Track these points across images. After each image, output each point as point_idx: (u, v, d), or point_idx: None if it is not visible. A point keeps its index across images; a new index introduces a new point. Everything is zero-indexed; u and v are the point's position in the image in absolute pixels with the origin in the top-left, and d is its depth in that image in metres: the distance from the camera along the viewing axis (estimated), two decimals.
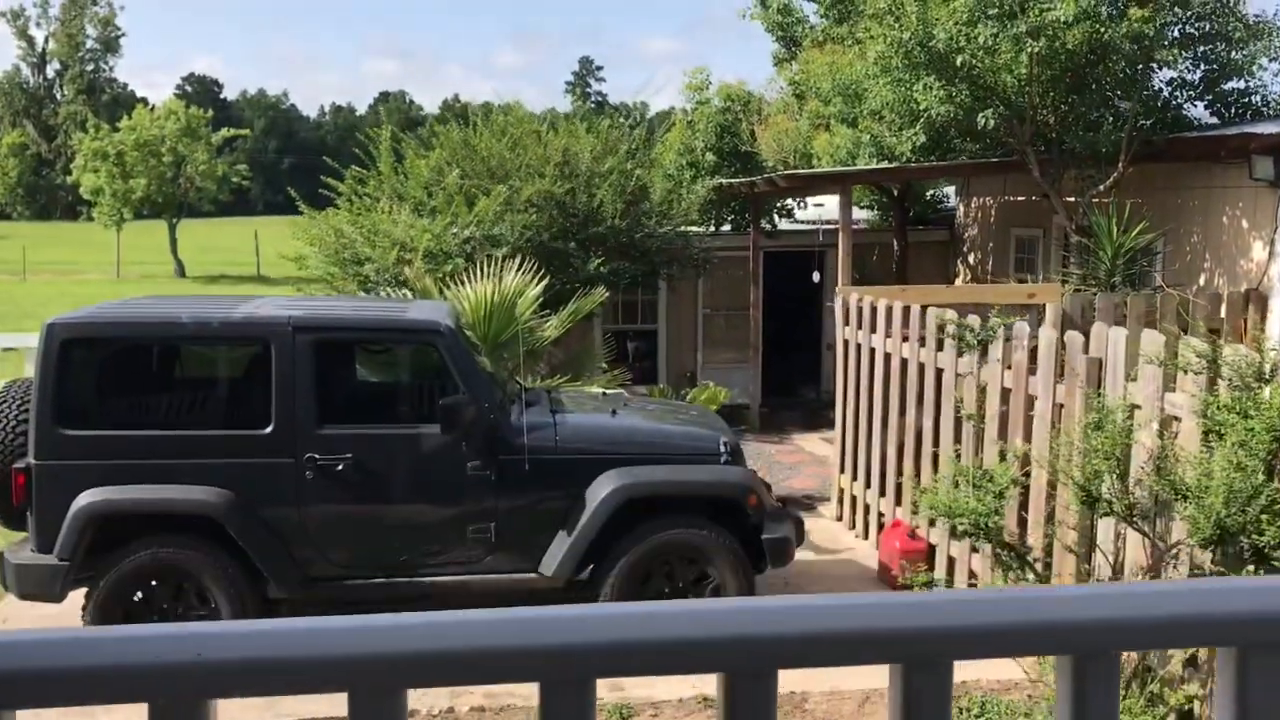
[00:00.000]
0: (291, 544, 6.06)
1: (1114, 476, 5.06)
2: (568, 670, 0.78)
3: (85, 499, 5.83)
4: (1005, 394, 6.72)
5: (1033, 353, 6.46)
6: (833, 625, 0.79)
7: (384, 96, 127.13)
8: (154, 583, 5.99)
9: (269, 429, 6.01)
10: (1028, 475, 6.09)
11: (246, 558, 5.98)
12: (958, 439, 7.21)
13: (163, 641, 0.75)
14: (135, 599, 5.99)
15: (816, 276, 13.92)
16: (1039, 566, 5.81)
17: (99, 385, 6.17)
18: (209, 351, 6.70)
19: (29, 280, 37.19)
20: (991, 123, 10.46)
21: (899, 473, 8.25)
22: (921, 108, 10.73)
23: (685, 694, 6.09)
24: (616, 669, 0.77)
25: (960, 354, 7.22)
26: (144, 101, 45.29)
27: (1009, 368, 6.68)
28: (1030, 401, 6.47)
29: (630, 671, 0.79)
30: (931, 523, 7.48)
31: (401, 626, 0.77)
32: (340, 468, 6.05)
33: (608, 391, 8.42)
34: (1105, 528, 5.59)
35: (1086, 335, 6.14)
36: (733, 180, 13.79)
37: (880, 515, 8.59)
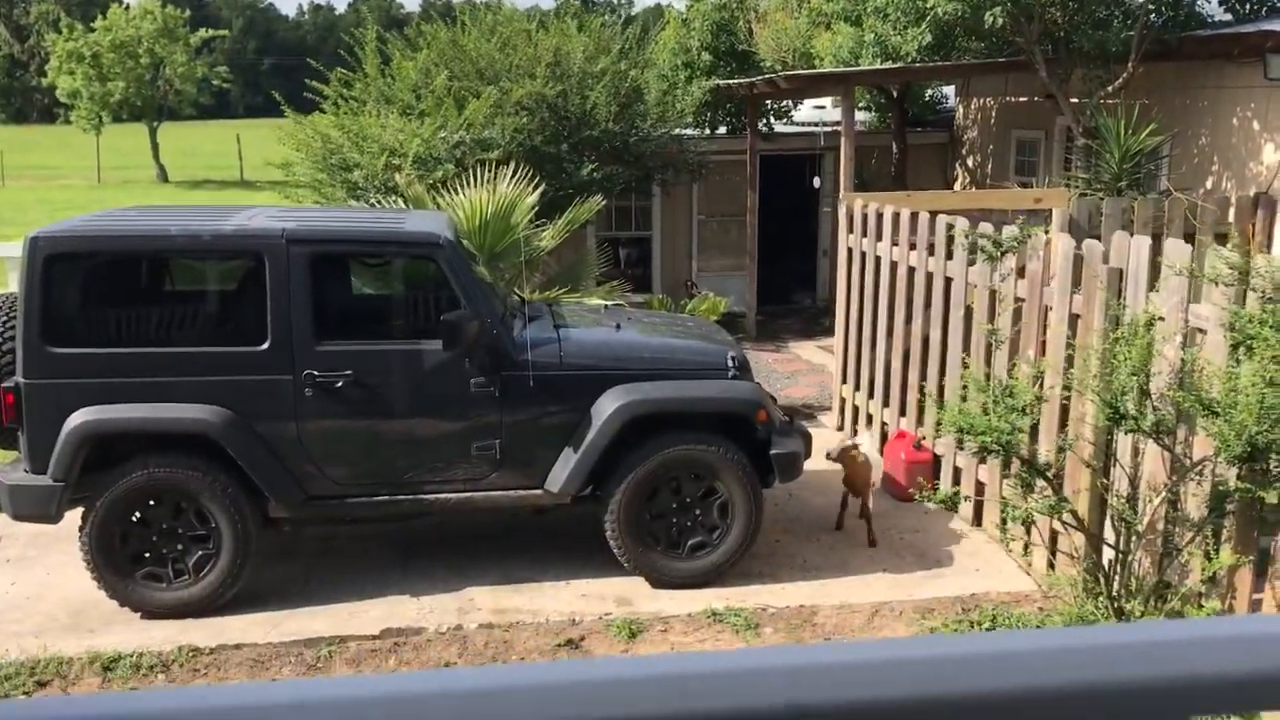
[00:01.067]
0: (291, 462, 5.93)
1: (1139, 391, 4.93)
2: None
3: (78, 419, 5.67)
4: (1018, 305, 6.57)
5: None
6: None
7: None
8: (152, 503, 5.87)
9: (265, 345, 5.83)
10: (1042, 389, 5.97)
11: (246, 476, 5.85)
12: (966, 349, 7.09)
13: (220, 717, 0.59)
14: (133, 520, 5.87)
15: (818, 182, 13.66)
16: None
17: (87, 301, 5.96)
18: (200, 265, 6.49)
19: (8, 186, 36.51)
20: (999, 20, 10.14)
21: (904, 383, 8.14)
22: (928, 5, 10.39)
23: (694, 609, 6.04)
24: None
25: (971, 263, 7.05)
26: (119, 1, 43.96)
27: (1023, 277, 6.52)
28: (1045, 312, 6.33)
29: None
30: (937, 434, 7.39)
31: (510, 693, 0.61)
32: (340, 385, 5.89)
33: (609, 305, 8.24)
34: (1124, 442, 5.49)
35: (1094, 240, 5.97)
36: (730, 81, 13.42)
37: (884, 425, 8.51)
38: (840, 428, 9.34)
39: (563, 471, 6.12)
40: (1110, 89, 10.39)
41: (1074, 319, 5.97)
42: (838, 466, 7.06)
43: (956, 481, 7.23)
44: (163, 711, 0.61)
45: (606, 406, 6.08)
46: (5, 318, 6.06)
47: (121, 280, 6.26)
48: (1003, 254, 6.58)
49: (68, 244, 5.76)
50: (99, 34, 39.43)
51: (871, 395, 8.72)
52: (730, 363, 6.38)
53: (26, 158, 45.36)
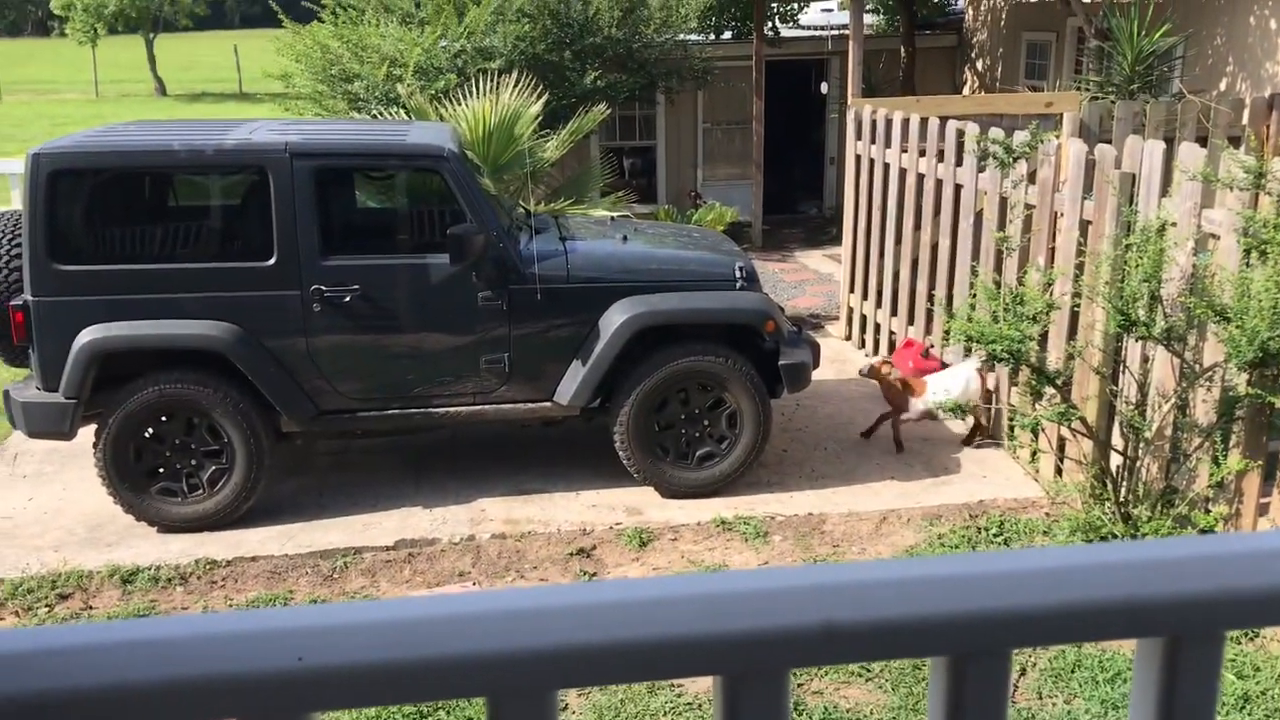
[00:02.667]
0: (301, 377, 5.95)
1: (1150, 298, 4.91)
2: (757, 660, 0.63)
3: (87, 336, 5.68)
4: (1028, 212, 6.51)
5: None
6: (1083, 595, 0.64)
7: None
8: (164, 418, 5.91)
9: (272, 261, 5.81)
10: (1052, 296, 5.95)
11: (257, 392, 5.88)
12: (976, 257, 7.05)
13: (256, 643, 0.59)
14: (146, 435, 5.91)
15: (825, 87, 13.45)
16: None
17: (92, 218, 5.92)
18: (204, 181, 6.43)
19: (5, 101, 36.10)
20: None
21: (912, 291, 8.11)
22: None
23: (703, 518, 6.11)
24: (810, 659, 0.63)
25: (981, 169, 6.97)
26: None
27: (1034, 183, 6.45)
28: (1055, 219, 6.27)
29: (832, 660, 0.64)
30: (946, 342, 7.39)
31: (552, 612, 0.62)
32: (348, 299, 5.88)
33: (615, 216, 8.18)
34: (1134, 349, 5.48)
35: (1106, 144, 5.89)
36: None
37: (891, 334, 8.50)
38: (847, 337, 9.34)
39: (571, 384, 6.14)
40: None
41: (1085, 225, 5.93)
42: (841, 376, 7.07)
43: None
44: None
45: (614, 319, 6.07)
46: (11, 236, 6.04)
47: (126, 196, 6.21)
48: (1014, 160, 6.50)
49: (70, 160, 5.70)
50: None
51: (879, 304, 8.70)
52: (738, 273, 6.35)
53: (22, 71, 44.80)
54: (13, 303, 5.77)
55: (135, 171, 6.04)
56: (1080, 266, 5.83)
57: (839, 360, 8.72)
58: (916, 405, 6.85)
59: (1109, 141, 6.80)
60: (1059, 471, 6.21)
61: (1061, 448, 6.17)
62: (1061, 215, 6.17)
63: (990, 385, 6.82)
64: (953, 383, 6.73)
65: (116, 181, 6.06)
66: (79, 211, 5.84)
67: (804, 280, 11.45)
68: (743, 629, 0.63)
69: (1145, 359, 5.46)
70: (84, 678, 0.57)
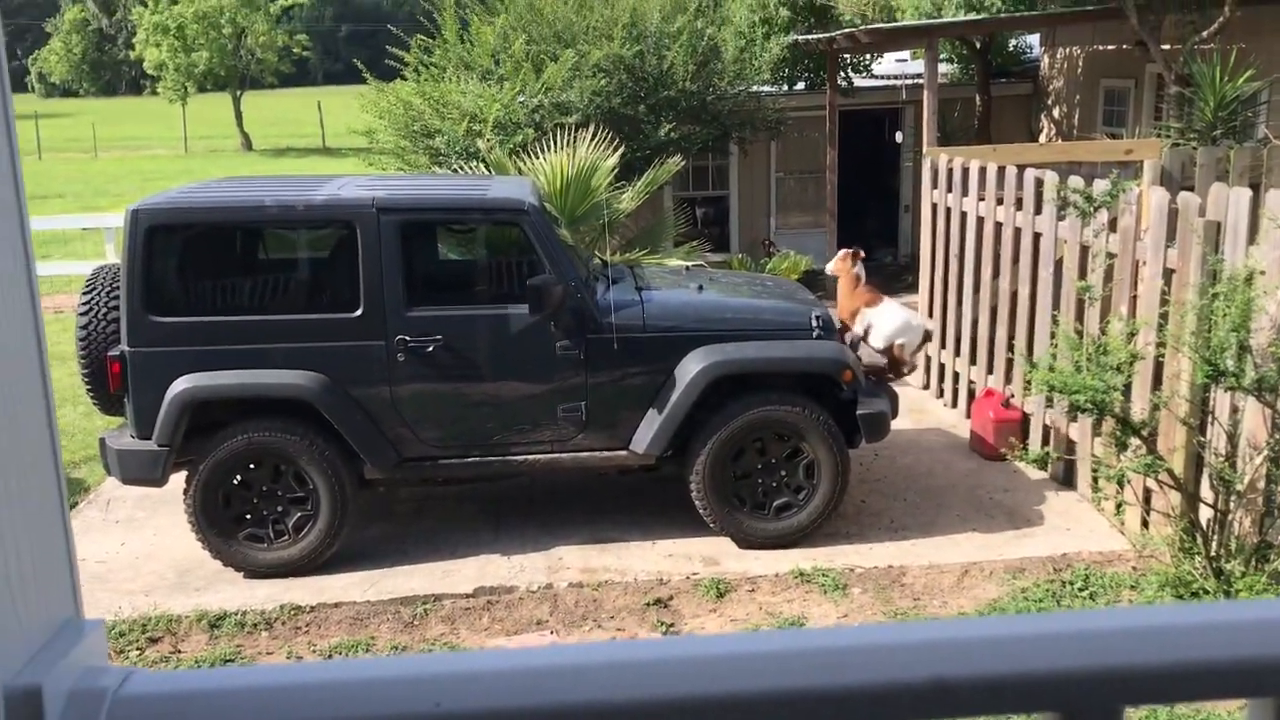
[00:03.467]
0: (385, 425, 6.07)
1: (1239, 347, 4.82)
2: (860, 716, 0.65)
3: (180, 385, 5.86)
4: (1110, 260, 6.44)
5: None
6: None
7: None
8: (252, 466, 6.06)
9: (359, 312, 5.96)
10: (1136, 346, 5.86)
11: (341, 439, 6.01)
12: (1056, 306, 6.97)
13: (393, 688, 0.63)
14: (235, 482, 6.07)
15: (900, 137, 13.46)
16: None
17: (186, 271, 6.14)
18: (294, 235, 6.63)
19: (100, 158, 37.49)
20: None
21: (991, 340, 8.04)
22: None
23: (781, 569, 6.08)
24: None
25: (1061, 218, 6.91)
26: None
27: (1115, 231, 6.38)
28: (1138, 268, 6.19)
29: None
30: (1027, 391, 7.30)
31: (670, 661, 0.65)
32: (430, 349, 6.00)
33: (689, 266, 8.25)
34: (1222, 400, 5.37)
35: (1189, 192, 5.82)
36: (809, 37, 13.23)
37: (971, 384, 8.42)
38: (925, 385, 9.26)
39: (647, 432, 6.18)
40: (1205, 34, 10.05)
41: (1169, 274, 5.84)
42: (919, 425, 7.01)
43: (1046, 440, 7.14)
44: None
45: (690, 368, 6.11)
46: (109, 288, 6.27)
47: (219, 250, 6.42)
48: (1095, 209, 6.44)
49: (167, 216, 5.93)
50: (183, 6, 40.18)
51: (958, 353, 8.62)
52: (813, 322, 6.36)
53: (116, 129, 46.53)
54: (110, 353, 5.98)
55: (228, 226, 6.25)
56: (1164, 316, 5.74)
57: (918, 410, 8.65)
58: (855, 326, 7.22)
59: (1191, 189, 6.71)
60: (1146, 524, 6.08)
61: (1148, 500, 6.04)
62: (1144, 264, 6.09)
63: (931, 328, 7.55)
64: (889, 321, 7.12)
65: (210, 236, 6.27)
66: (174, 265, 6.06)
67: None
68: (851, 683, 0.65)
69: (1234, 409, 5.34)
70: (251, 717, 0.62)
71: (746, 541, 6.32)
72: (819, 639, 0.68)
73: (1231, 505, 5.29)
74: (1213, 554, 5.31)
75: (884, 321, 7.14)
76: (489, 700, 0.63)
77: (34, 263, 0.72)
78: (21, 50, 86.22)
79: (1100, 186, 6.50)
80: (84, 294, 6.27)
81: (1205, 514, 5.49)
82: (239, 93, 42.30)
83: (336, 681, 0.65)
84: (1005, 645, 0.66)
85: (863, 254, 7.68)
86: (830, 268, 7.76)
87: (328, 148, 38.74)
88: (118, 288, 6.09)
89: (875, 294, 7.36)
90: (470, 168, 9.91)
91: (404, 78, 11.84)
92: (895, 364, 7.14)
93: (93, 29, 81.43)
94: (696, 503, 6.28)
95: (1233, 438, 5.32)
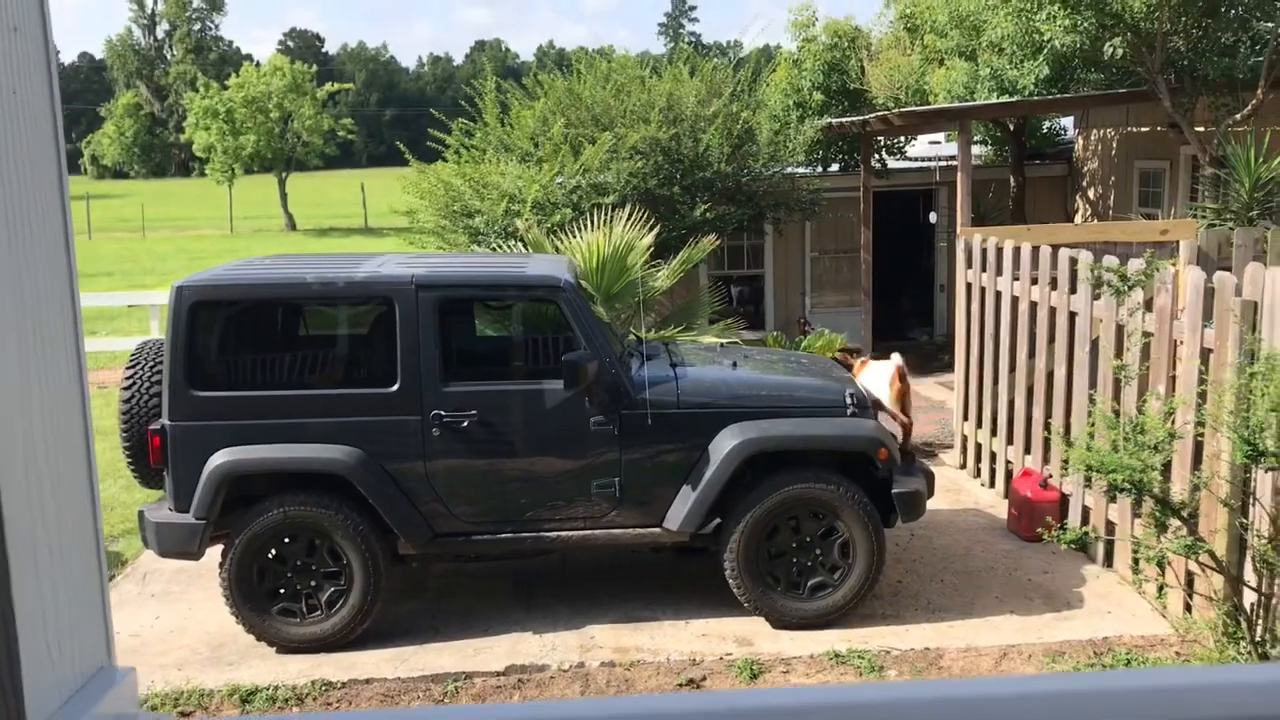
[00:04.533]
0: (420, 500, 6.10)
1: (1279, 428, 4.77)
2: None
3: (219, 459, 5.93)
4: (1146, 340, 6.41)
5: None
6: None
7: (480, 45, 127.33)
8: (287, 540, 6.09)
9: (395, 387, 6.03)
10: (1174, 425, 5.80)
11: (376, 514, 6.04)
12: (1093, 385, 6.93)
13: None
14: (269, 556, 6.10)
15: (934, 217, 13.54)
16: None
17: (227, 346, 6.25)
18: (333, 311, 6.74)
19: (148, 237, 38.32)
20: (1119, 51, 9.96)
21: (1028, 420, 7.98)
22: (1045, 38, 10.26)
23: (816, 650, 6.00)
24: None
25: (1096, 297, 6.91)
26: (250, 59, 45.98)
27: (1151, 311, 6.36)
28: (1174, 347, 6.16)
29: None
30: (1064, 471, 7.22)
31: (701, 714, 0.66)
32: (465, 424, 6.05)
33: (724, 343, 8.28)
34: (1264, 480, 5.29)
35: (1226, 272, 5.80)
36: (842, 119, 13.41)
37: (1008, 464, 8.34)
38: (962, 465, 9.19)
39: (681, 509, 6.16)
40: (1238, 116, 10.09)
41: (1205, 353, 5.80)
42: (956, 505, 6.95)
43: (1085, 521, 7.05)
44: None
45: (724, 444, 6.11)
46: (153, 363, 6.38)
47: (260, 326, 6.54)
48: (1130, 287, 6.43)
49: (210, 292, 6.06)
50: (232, 91, 41.35)
51: (994, 433, 8.56)
52: (848, 399, 6.36)
53: (164, 210, 47.62)
54: (151, 427, 6.07)
55: (270, 302, 6.37)
56: (1203, 395, 5.69)
57: (954, 490, 8.57)
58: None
59: (1228, 269, 6.69)
60: (1188, 608, 5.96)
61: (1190, 582, 5.93)
62: (1180, 343, 6.05)
63: (906, 382, 8.18)
64: (876, 382, 7.83)
65: (252, 312, 6.39)
66: (216, 340, 6.17)
67: (916, 408, 11.29)
68: None
69: (1277, 490, 5.26)
70: None
71: (781, 621, 6.25)
72: (842, 695, 0.69)
73: (1276, 589, 5.18)
74: (1258, 639, 5.19)
75: (878, 385, 7.88)
76: None
77: (82, 335, 0.76)
78: (76, 134, 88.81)
79: (1135, 265, 6.50)
80: (128, 368, 6.39)
81: (1249, 597, 5.38)
82: (284, 174, 43.25)
83: None
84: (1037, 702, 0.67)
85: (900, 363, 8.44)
86: (888, 397, 8.00)
87: (370, 228, 39.42)
88: (161, 362, 6.20)
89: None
90: (508, 246, 10.05)
91: (445, 159, 12.10)
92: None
93: (145, 113, 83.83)
94: (730, 581, 6.23)
95: (1275, 520, 5.23)
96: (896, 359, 8.39)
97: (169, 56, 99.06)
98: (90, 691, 0.69)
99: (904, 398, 8.15)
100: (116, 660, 0.76)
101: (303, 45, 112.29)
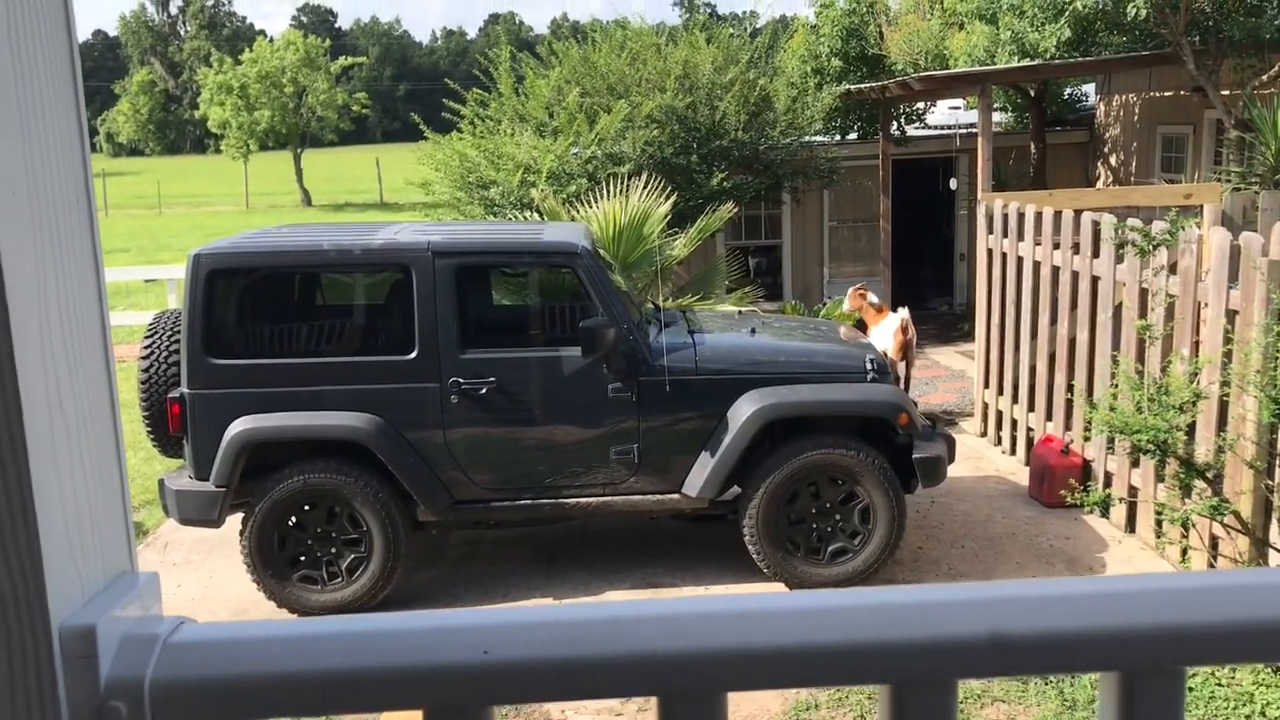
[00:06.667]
0: (438, 467, 6.10)
1: None
2: (923, 670, 0.64)
3: (238, 427, 5.94)
4: (1170, 301, 6.34)
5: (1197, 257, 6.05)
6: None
7: (494, 18, 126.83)
8: (307, 507, 6.10)
9: (413, 354, 6.02)
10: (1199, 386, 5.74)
11: (395, 481, 6.04)
12: (1116, 349, 6.87)
13: (442, 636, 0.63)
14: (290, 523, 6.11)
15: (954, 184, 13.42)
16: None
17: (245, 314, 6.25)
18: (350, 279, 6.72)
19: (164, 214, 38.43)
20: (1143, 12, 9.80)
21: (1049, 386, 7.92)
22: (1066, 0, 10.11)
23: None
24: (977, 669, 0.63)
25: (1119, 260, 6.83)
26: (263, 34, 45.98)
27: (1175, 273, 6.29)
28: (1198, 309, 6.09)
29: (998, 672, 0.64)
30: (1086, 437, 7.17)
31: (724, 616, 0.64)
32: (484, 391, 6.04)
33: (742, 310, 8.25)
34: None
35: (1252, 233, 5.72)
36: (861, 86, 13.29)
37: (1029, 430, 8.29)
38: (983, 433, 9.14)
39: (700, 475, 6.14)
40: (1265, 78, 9.95)
41: (1231, 315, 5.74)
42: (977, 472, 6.92)
43: (1108, 486, 7.00)
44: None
45: (743, 410, 6.08)
46: (171, 333, 6.39)
47: (277, 294, 6.52)
48: (1155, 248, 6.36)
49: (227, 260, 6.05)
50: (246, 66, 41.28)
51: (1015, 400, 8.51)
52: (868, 365, 6.31)
53: (180, 187, 47.74)
54: (170, 395, 6.08)
55: (287, 270, 6.36)
56: (1228, 355, 5.63)
57: (975, 457, 8.53)
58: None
59: (1254, 232, 6.60)
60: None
61: (1214, 545, 5.88)
62: (1205, 305, 5.98)
63: (910, 335, 8.44)
64: (884, 336, 8.25)
65: (269, 280, 6.38)
66: (234, 308, 6.17)
67: (936, 377, 11.28)
68: (910, 638, 0.63)
69: None
70: (302, 663, 0.62)
71: (800, 587, 6.23)
72: (878, 596, 0.66)
73: None
74: None
75: (885, 340, 8.26)
76: (534, 649, 0.62)
77: (98, 226, 0.74)
78: (91, 111, 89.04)
79: (1159, 226, 6.42)
80: (145, 338, 6.39)
81: (1275, 559, 5.33)
82: (299, 150, 43.23)
83: (385, 630, 0.65)
84: (1064, 603, 0.65)
85: (864, 287, 9.19)
86: (847, 308, 9.01)
87: (385, 203, 39.42)
88: (178, 333, 6.20)
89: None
90: (524, 217, 10.02)
91: (460, 131, 12.05)
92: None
93: (159, 90, 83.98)
94: (750, 547, 6.22)
95: None
96: (903, 312, 8.67)
97: (182, 33, 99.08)
98: (111, 593, 0.68)
99: (907, 350, 8.49)
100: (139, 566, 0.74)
101: (316, 20, 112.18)
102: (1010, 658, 0.63)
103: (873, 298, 8.99)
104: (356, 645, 0.63)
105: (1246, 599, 0.64)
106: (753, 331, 6.72)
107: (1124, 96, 13.70)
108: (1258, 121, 9.48)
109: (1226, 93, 10.43)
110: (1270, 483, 5.34)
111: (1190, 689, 4.66)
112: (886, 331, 8.45)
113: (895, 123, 13.81)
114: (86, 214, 0.70)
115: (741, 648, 0.62)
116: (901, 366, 8.32)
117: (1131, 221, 6.74)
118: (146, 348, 6.34)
